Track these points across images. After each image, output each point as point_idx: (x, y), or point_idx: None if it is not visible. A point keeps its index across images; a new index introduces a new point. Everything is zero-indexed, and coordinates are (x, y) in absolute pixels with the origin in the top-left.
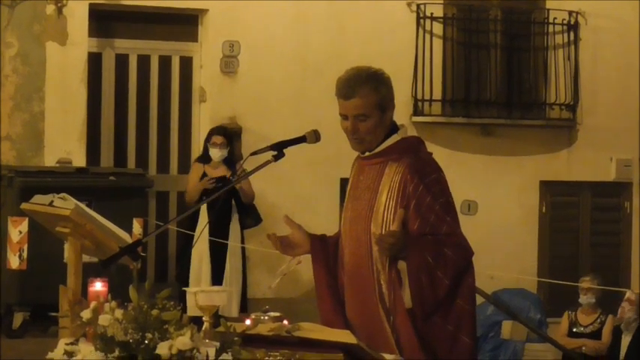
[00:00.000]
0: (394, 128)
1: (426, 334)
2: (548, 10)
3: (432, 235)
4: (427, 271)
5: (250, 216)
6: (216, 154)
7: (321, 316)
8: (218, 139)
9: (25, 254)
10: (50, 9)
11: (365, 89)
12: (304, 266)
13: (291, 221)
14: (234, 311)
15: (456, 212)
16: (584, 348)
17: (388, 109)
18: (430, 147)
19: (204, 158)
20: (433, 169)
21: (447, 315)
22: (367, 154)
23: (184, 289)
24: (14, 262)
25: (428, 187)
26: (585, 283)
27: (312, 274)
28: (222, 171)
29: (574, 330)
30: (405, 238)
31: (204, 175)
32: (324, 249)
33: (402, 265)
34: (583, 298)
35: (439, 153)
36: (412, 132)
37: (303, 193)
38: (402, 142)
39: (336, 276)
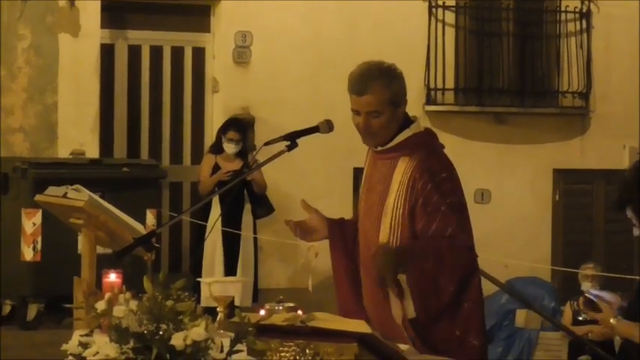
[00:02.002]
0: (407, 122)
1: (432, 339)
2: None
3: (436, 236)
4: (429, 281)
5: (262, 206)
6: (231, 149)
7: (338, 302)
8: (235, 135)
9: (39, 246)
10: (62, 1)
11: (377, 85)
12: (318, 256)
13: (308, 206)
14: (247, 301)
15: (464, 212)
16: (590, 334)
17: (401, 104)
18: (443, 136)
19: (217, 149)
20: (444, 167)
21: (455, 319)
22: (379, 148)
23: (198, 279)
24: (28, 253)
25: (437, 186)
26: (589, 270)
27: (329, 261)
28: (235, 163)
29: (579, 319)
30: (397, 252)
31: (216, 165)
32: (342, 234)
33: (401, 276)
34: (587, 286)
35: (452, 142)
36: (425, 121)
37: (316, 183)
38: (414, 137)
39: (355, 260)
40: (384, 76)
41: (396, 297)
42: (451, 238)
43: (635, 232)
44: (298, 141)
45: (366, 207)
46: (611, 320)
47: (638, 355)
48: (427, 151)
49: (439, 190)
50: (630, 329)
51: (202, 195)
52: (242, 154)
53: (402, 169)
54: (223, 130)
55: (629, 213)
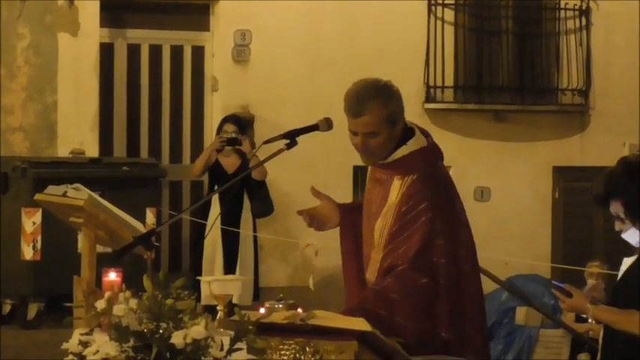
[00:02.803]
0: (406, 136)
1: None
2: None
3: (389, 270)
4: (387, 327)
5: (264, 202)
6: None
7: (346, 292)
8: (230, 127)
9: (38, 245)
10: (62, 0)
11: (374, 105)
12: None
13: (318, 192)
14: (247, 300)
15: (430, 244)
16: (591, 333)
17: (398, 122)
18: (443, 134)
19: None
20: (426, 196)
21: (431, 348)
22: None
23: (198, 278)
24: (28, 253)
25: (412, 218)
26: (594, 268)
27: (329, 260)
28: (234, 159)
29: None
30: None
31: (216, 162)
32: (354, 222)
33: None
34: (592, 284)
35: (452, 140)
36: (425, 119)
37: (316, 181)
38: (409, 156)
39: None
40: (380, 95)
41: None
42: (398, 275)
43: (617, 226)
44: (298, 139)
45: (366, 215)
46: (588, 305)
47: (622, 341)
48: (417, 178)
49: (411, 221)
50: (609, 314)
51: (194, 176)
52: (241, 152)
53: (395, 192)
54: (219, 126)
55: (614, 207)
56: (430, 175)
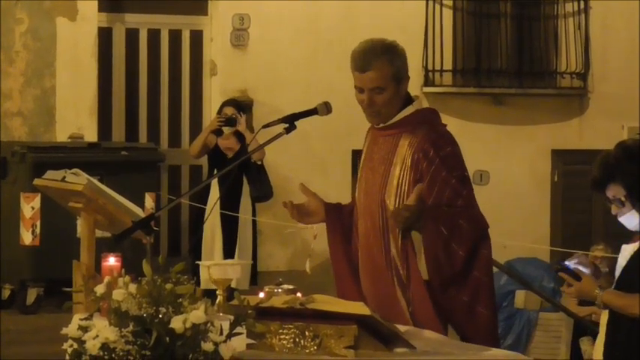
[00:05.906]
0: (408, 99)
1: (443, 306)
2: None
3: (449, 206)
4: (442, 242)
5: (263, 187)
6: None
7: (336, 285)
8: (229, 110)
9: (38, 230)
10: None
11: (381, 62)
12: (317, 238)
13: (306, 189)
14: (245, 284)
15: (471, 185)
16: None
17: (403, 80)
18: (441, 117)
19: (216, 131)
20: (448, 142)
21: (463, 287)
22: (381, 125)
23: (198, 262)
24: (27, 238)
25: (443, 160)
26: (598, 251)
27: (327, 244)
28: (232, 143)
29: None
30: (421, 211)
31: (215, 146)
32: (339, 218)
33: (416, 235)
34: None
35: (451, 123)
36: (424, 103)
37: (314, 165)
38: (416, 113)
39: (351, 243)
40: (386, 52)
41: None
42: (463, 207)
43: (614, 210)
44: (297, 123)
45: (367, 186)
46: (596, 290)
47: (626, 328)
48: (430, 128)
49: (446, 164)
50: (618, 299)
51: (192, 156)
52: (241, 136)
53: (406, 146)
54: (219, 110)
55: (612, 191)
56: (442, 127)
